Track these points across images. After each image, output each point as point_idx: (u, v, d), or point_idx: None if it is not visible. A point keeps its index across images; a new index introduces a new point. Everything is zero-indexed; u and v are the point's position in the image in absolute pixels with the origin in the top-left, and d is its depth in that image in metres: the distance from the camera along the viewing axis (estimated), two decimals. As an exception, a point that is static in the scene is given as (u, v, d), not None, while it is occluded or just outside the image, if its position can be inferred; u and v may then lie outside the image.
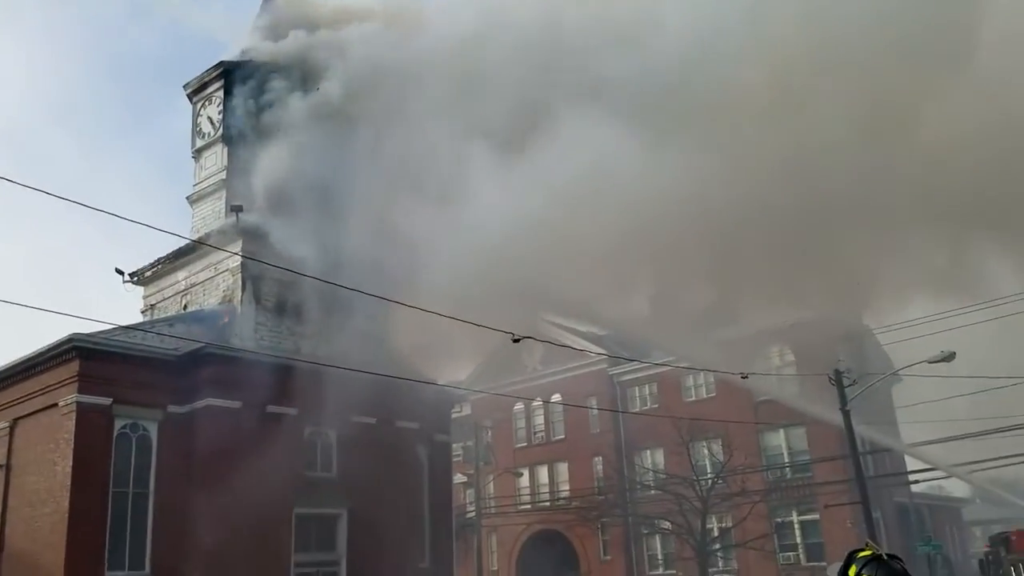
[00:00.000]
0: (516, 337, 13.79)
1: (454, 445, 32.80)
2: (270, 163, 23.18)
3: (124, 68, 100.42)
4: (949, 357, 21.71)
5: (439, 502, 27.86)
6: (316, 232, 20.57)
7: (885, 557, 3.30)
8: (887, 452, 30.94)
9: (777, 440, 34.21)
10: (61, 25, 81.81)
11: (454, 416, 32.25)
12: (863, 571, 3.26)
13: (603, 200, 16.52)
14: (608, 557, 37.69)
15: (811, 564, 31.74)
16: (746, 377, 20.03)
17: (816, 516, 31.25)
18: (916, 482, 33.95)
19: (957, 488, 43.41)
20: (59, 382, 20.67)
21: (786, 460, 34.26)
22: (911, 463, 31.50)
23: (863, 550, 3.42)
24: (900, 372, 25.23)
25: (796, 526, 33.40)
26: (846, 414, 22.23)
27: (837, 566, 3.48)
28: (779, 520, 33.27)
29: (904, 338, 23.62)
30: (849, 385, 22.36)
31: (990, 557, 23.67)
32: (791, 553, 33.23)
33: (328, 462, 23.90)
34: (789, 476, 33.48)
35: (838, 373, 22.43)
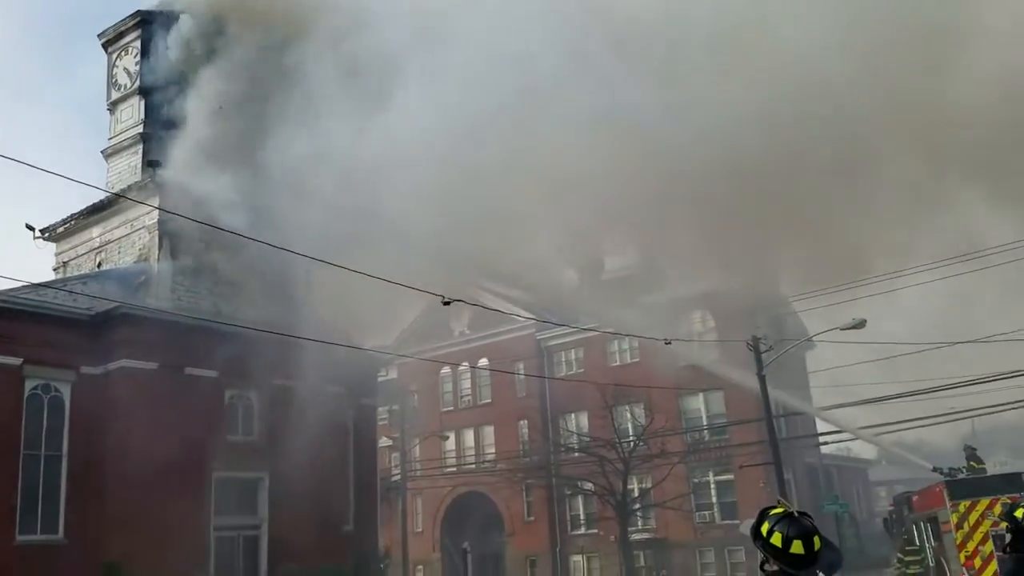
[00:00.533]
0: (446, 300, 13.70)
1: (380, 409, 32.71)
2: (190, 116, 22.32)
3: (41, 17, 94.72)
4: (860, 324, 22.64)
5: (364, 465, 27.81)
6: (239, 189, 19.99)
7: (796, 514, 3.39)
8: (799, 415, 32.21)
9: (697, 404, 35.25)
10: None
11: (380, 380, 32.09)
12: (775, 528, 3.33)
13: (533, 163, 16.50)
14: (532, 518, 38.40)
15: (725, 522, 32.98)
16: (669, 343, 20.41)
17: (731, 476, 32.44)
18: (825, 444, 35.57)
19: (864, 450, 45.65)
20: (-36, 341, 19.71)
21: (704, 423, 35.37)
22: (821, 426, 32.93)
23: (775, 508, 3.48)
24: (814, 338, 26.20)
25: (712, 486, 34.63)
26: (762, 379, 23.00)
27: (750, 523, 3.52)
28: (696, 480, 34.40)
29: (818, 306, 24.53)
30: (766, 351, 23.09)
31: (893, 516, 24.97)
32: (707, 512, 34.48)
33: (249, 425, 23.54)
34: (707, 438, 34.59)
35: (755, 339, 23.12)
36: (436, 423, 39.26)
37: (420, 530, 40.33)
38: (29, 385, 19.91)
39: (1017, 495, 16.38)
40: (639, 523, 34.22)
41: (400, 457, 34.41)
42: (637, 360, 34.91)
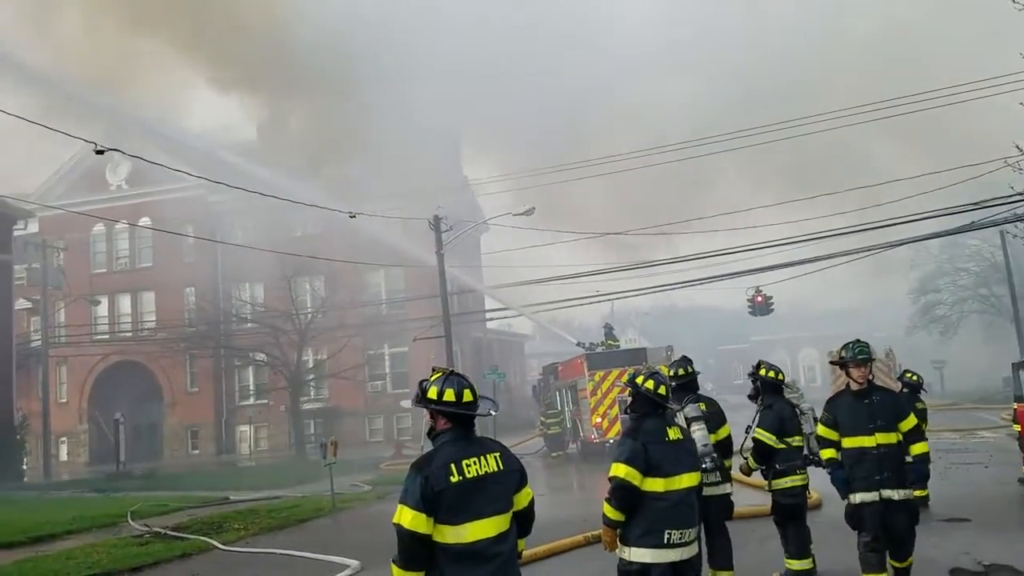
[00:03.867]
0: (100, 148, 12.03)
1: (16, 267, 28.64)
2: None
3: None
4: (529, 211, 24.40)
5: (-6, 329, 24.50)
6: None
7: (457, 373, 3.82)
8: (470, 293, 34.23)
9: (378, 278, 35.81)
10: None
11: (16, 233, 27.99)
12: (444, 387, 3.68)
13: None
14: (196, 389, 36.86)
15: (396, 391, 34.52)
16: (353, 216, 20.17)
17: (405, 349, 33.70)
18: (491, 320, 38.41)
19: (522, 326, 50.13)
20: None
21: (384, 297, 36.18)
22: (489, 303, 35.36)
23: (433, 375, 3.81)
24: (488, 221, 27.69)
25: (387, 358, 35.91)
26: (440, 257, 23.87)
27: (412, 398, 3.86)
28: (372, 352, 35.37)
29: (495, 191, 25.91)
30: (446, 231, 23.88)
31: (541, 383, 27.96)
32: (379, 382, 35.84)
33: None
34: (385, 312, 35.48)
35: (437, 219, 23.78)
36: (86, 285, 35.40)
37: (65, 400, 36.85)
38: None
39: (641, 366, 19.07)
40: (312, 393, 34.49)
41: (41, 321, 30.58)
42: (320, 232, 34.11)
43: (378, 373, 36.05)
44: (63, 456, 36.53)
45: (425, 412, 3.79)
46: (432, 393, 3.66)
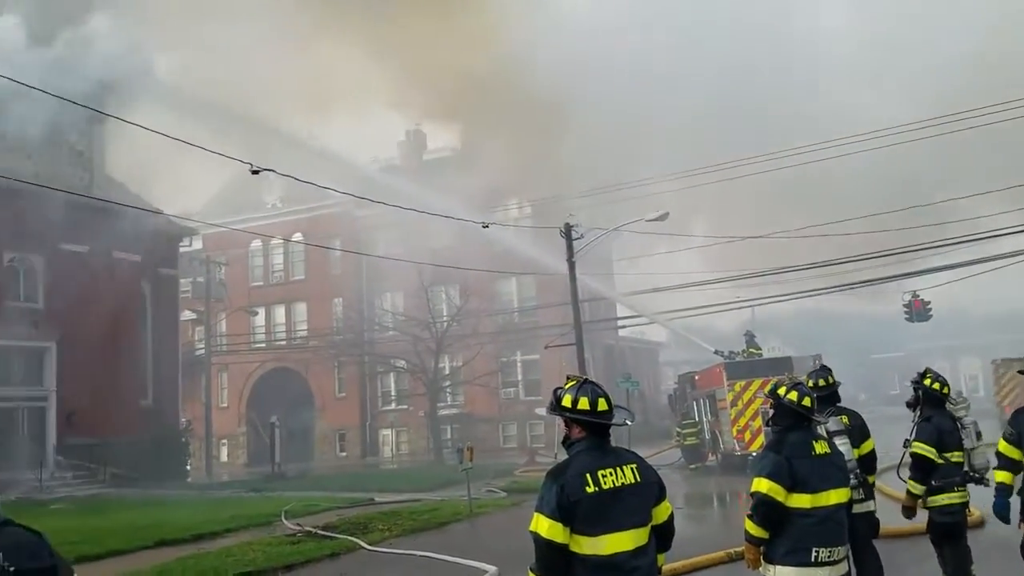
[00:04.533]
0: (255, 168, 12.87)
1: (182, 280, 30.98)
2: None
3: None
4: (663, 217, 23.96)
5: (164, 338, 26.63)
6: (23, 26, 17.41)
7: (591, 382, 3.75)
8: (602, 300, 34.03)
9: (509, 287, 36.31)
10: None
11: (183, 250, 30.25)
12: (578, 395, 3.62)
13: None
14: (343, 393, 38.61)
15: (528, 399, 34.85)
16: (487, 227, 20.54)
17: (537, 356, 33.98)
18: (623, 327, 38.05)
19: (656, 333, 49.29)
20: None
21: (516, 305, 36.64)
22: (621, 310, 35.01)
23: (567, 383, 3.77)
24: (621, 228, 27.40)
25: (519, 365, 36.31)
26: (571, 265, 23.85)
27: (545, 407, 3.91)
28: (504, 360, 35.87)
29: (627, 198, 25.68)
30: (577, 238, 23.83)
31: (677, 392, 27.41)
32: (512, 389, 36.26)
33: (33, 291, 21.68)
34: (517, 320, 35.92)
35: (568, 227, 23.77)
36: (245, 297, 37.88)
37: (226, 405, 39.47)
38: None
39: (784, 376, 18.30)
40: (448, 399, 35.38)
41: (204, 331, 32.98)
42: (455, 243, 34.97)
43: (511, 380, 36.50)
44: (223, 458, 39.15)
45: (559, 420, 3.78)
46: (567, 401, 3.61)
